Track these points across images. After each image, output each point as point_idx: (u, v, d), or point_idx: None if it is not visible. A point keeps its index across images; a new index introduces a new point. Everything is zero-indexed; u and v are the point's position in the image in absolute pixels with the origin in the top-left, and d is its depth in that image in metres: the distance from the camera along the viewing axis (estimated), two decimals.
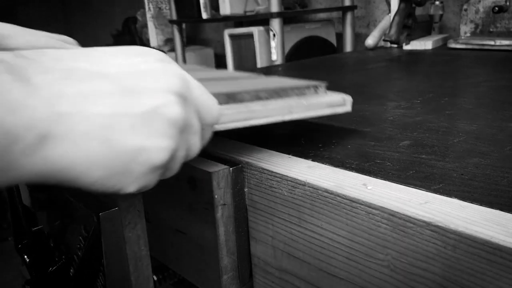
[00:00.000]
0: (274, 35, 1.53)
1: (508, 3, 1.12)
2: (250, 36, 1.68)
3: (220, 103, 0.38)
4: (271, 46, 1.55)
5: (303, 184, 0.35)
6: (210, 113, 0.30)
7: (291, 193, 0.36)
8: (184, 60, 2.03)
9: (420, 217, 0.28)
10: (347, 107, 0.47)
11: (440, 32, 1.47)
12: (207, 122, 0.30)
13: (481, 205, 0.29)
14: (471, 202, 0.29)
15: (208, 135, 0.31)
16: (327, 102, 0.45)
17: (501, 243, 0.24)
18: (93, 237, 0.35)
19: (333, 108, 0.46)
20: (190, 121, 0.28)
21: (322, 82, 0.47)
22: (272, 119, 0.40)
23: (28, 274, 0.45)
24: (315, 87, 0.46)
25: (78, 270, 0.38)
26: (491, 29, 1.18)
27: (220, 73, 0.59)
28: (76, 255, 0.38)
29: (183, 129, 0.27)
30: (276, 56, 1.54)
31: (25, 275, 0.51)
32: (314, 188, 0.34)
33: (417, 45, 1.21)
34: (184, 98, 0.27)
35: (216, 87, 0.43)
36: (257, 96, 0.41)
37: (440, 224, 0.27)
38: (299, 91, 0.45)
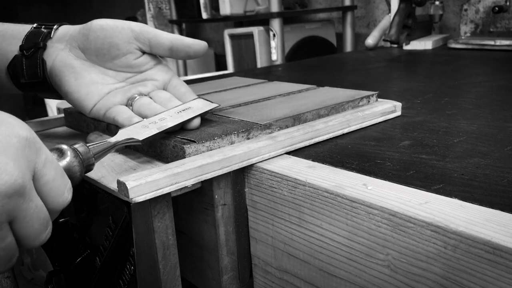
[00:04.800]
0: (274, 35, 1.53)
1: (508, 3, 1.12)
2: (250, 36, 1.68)
3: (287, 125, 0.43)
4: (271, 46, 1.55)
5: (303, 184, 0.35)
6: (55, 200, 0.29)
7: (291, 193, 0.36)
8: (184, 60, 2.03)
9: (420, 217, 0.28)
10: (398, 113, 0.52)
11: (440, 32, 1.47)
12: (49, 207, 0.29)
13: (481, 205, 0.29)
14: (472, 202, 0.29)
15: (53, 218, 0.30)
16: (380, 111, 0.49)
17: (502, 243, 0.24)
18: (123, 227, 0.36)
19: (385, 115, 0.50)
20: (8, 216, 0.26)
21: (374, 92, 0.51)
22: (333, 134, 0.45)
23: (29, 274, 0.45)
24: (368, 98, 0.50)
25: (106, 260, 0.39)
26: (491, 29, 1.18)
27: (266, 88, 0.60)
28: (102, 246, 0.39)
29: None
30: (276, 56, 1.54)
31: (25, 275, 0.51)
32: (314, 188, 0.34)
33: (417, 45, 1.21)
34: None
35: (280, 109, 0.46)
36: (318, 114, 0.46)
37: (440, 224, 0.27)
38: (354, 104, 0.49)
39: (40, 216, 0.27)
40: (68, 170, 0.31)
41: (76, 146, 0.32)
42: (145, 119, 0.40)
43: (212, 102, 0.44)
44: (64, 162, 0.31)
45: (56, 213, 0.30)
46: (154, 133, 0.38)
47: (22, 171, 0.25)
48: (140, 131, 0.38)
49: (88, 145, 0.33)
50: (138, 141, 0.37)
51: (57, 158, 0.31)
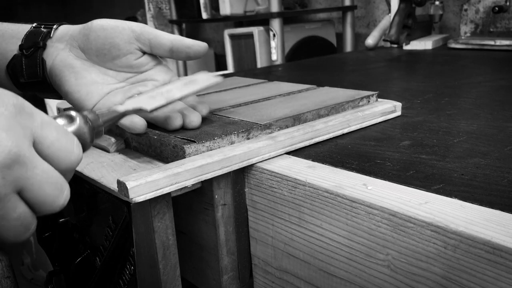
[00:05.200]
0: (274, 35, 1.53)
1: (508, 3, 1.12)
2: (250, 36, 1.68)
3: (287, 125, 0.43)
4: (271, 46, 1.55)
5: (303, 184, 0.35)
6: (65, 160, 0.28)
7: (291, 193, 0.36)
8: (184, 61, 2.03)
9: (420, 217, 0.28)
10: (398, 113, 0.52)
11: (440, 32, 1.47)
12: (62, 168, 0.28)
13: (481, 205, 0.29)
14: (472, 202, 0.29)
15: (69, 178, 0.29)
16: (380, 111, 0.49)
17: (501, 243, 0.24)
18: (123, 227, 0.36)
19: (385, 115, 0.50)
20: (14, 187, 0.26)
21: (374, 92, 0.51)
22: (333, 134, 0.45)
23: (29, 274, 0.45)
24: (368, 98, 0.50)
25: (106, 260, 0.39)
26: (491, 29, 1.18)
27: (266, 88, 0.60)
28: (102, 246, 0.39)
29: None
30: (276, 56, 1.54)
31: (25, 275, 0.51)
32: (314, 188, 0.34)
33: (417, 45, 1.21)
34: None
35: (280, 109, 0.46)
36: (319, 114, 0.46)
37: (440, 224, 0.27)
38: (354, 104, 0.49)
39: (51, 180, 0.27)
40: (78, 136, 0.30)
41: (85, 112, 0.31)
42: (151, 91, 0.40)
43: (217, 76, 0.44)
44: (73, 128, 0.30)
45: (71, 172, 0.29)
46: (162, 103, 0.37)
47: (16, 140, 0.25)
48: (148, 101, 0.37)
49: (97, 112, 0.32)
50: (147, 110, 0.36)
51: (66, 124, 0.30)
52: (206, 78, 0.42)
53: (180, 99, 0.39)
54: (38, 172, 0.26)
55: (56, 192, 0.27)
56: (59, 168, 0.28)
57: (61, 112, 0.31)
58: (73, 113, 0.30)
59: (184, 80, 0.42)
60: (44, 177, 0.27)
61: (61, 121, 0.30)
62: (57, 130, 0.28)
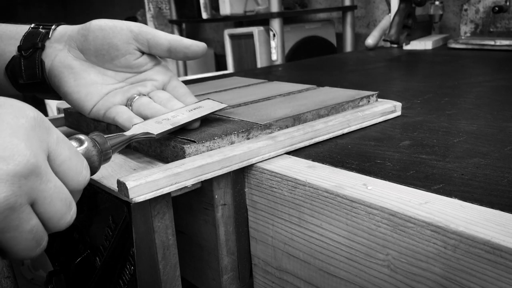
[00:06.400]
0: (274, 35, 1.53)
1: (508, 3, 1.12)
2: (250, 36, 1.68)
3: (287, 125, 0.43)
4: (271, 46, 1.55)
5: (304, 184, 0.35)
6: (73, 180, 0.28)
7: (291, 193, 0.36)
8: (184, 61, 2.03)
9: (420, 217, 0.28)
10: (398, 113, 0.52)
11: (440, 32, 1.47)
12: (69, 187, 0.28)
13: (481, 205, 0.29)
14: (472, 202, 0.29)
15: (76, 198, 0.30)
16: (380, 111, 0.49)
17: (502, 243, 0.24)
18: (123, 227, 0.36)
19: (385, 115, 0.50)
20: (26, 199, 0.25)
21: (374, 92, 0.51)
22: (333, 134, 0.45)
23: (29, 274, 0.45)
24: (368, 98, 0.50)
25: (106, 260, 0.39)
26: (491, 29, 1.18)
27: (267, 88, 0.60)
28: (102, 246, 0.39)
29: (12, 209, 0.25)
30: (276, 56, 1.54)
31: (25, 275, 0.51)
32: (314, 188, 0.34)
33: (417, 45, 1.21)
34: (17, 178, 0.24)
35: (280, 109, 0.46)
36: (319, 114, 0.46)
37: (440, 224, 0.27)
38: (354, 104, 0.49)
39: (61, 196, 0.27)
40: (86, 159, 0.30)
41: (93, 136, 0.32)
42: (160, 115, 0.41)
43: (222, 103, 0.45)
44: (82, 150, 0.30)
45: (78, 193, 0.30)
46: (168, 128, 0.38)
47: (34, 151, 0.25)
48: (154, 126, 0.38)
49: (105, 136, 0.33)
50: (153, 136, 0.37)
51: (75, 146, 0.30)
52: (212, 105, 0.44)
53: (186, 124, 0.40)
54: (51, 186, 0.26)
55: (65, 208, 0.28)
56: (68, 187, 0.28)
57: (71, 135, 0.31)
58: (82, 136, 0.31)
59: (190, 106, 0.43)
60: (56, 191, 0.27)
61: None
62: (70, 149, 0.28)
